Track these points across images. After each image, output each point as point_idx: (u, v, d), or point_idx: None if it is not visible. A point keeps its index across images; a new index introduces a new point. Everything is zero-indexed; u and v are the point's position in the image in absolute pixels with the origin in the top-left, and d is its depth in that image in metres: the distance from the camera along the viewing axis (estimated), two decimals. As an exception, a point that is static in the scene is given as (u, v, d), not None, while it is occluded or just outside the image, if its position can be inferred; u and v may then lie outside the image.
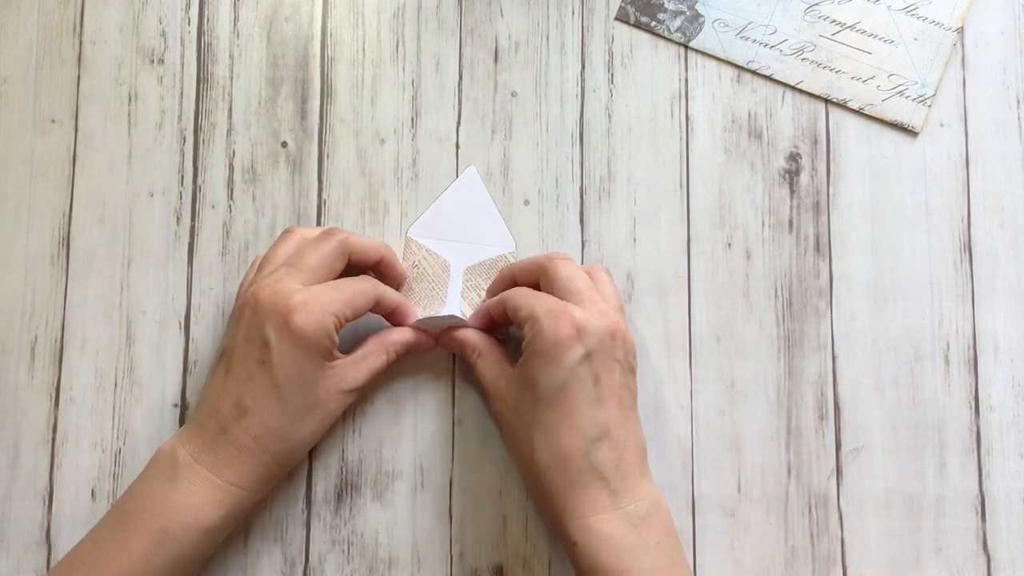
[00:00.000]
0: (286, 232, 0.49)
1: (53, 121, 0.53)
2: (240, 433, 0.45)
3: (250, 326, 0.45)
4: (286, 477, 0.51)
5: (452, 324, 0.50)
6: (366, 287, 0.47)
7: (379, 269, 0.50)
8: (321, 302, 0.45)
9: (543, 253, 0.52)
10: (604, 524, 0.43)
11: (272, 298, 0.45)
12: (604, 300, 0.46)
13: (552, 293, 0.46)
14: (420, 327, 0.50)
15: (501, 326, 0.50)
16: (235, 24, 0.54)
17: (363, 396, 0.51)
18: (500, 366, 0.48)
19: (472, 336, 0.50)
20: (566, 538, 0.44)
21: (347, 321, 0.46)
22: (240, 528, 0.50)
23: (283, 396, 0.45)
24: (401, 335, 0.49)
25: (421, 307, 0.51)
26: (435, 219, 0.53)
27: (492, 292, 0.50)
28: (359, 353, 0.48)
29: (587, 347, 0.44)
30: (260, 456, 0.45)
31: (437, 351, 0.51)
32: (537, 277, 0.48)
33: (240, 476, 0.45)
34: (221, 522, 0.45)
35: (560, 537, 0.45)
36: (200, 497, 0.44)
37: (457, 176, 0.53)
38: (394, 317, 0.50)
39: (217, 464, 0.45)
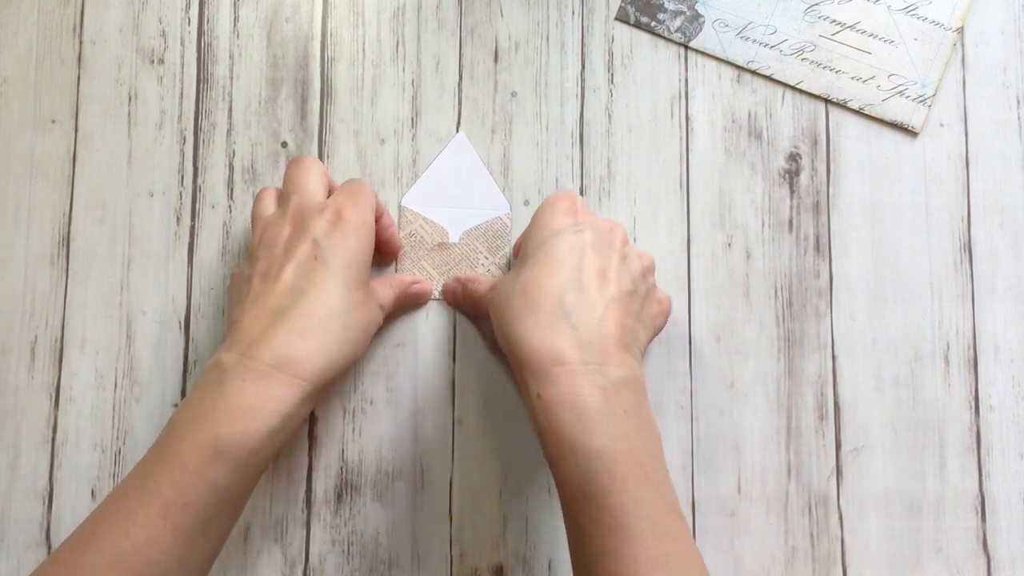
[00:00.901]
0: (298, 159, 0.49)
1: (53, 121, 0.53)
2: (300, 317, 0.42)
3: (290, 239, 0.44)
4: (286, 477, 0.51)
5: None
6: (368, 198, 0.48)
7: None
8: (368, 221, 0.46)
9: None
10: (569, 378, 0.40)
11: (309, 210, 0.45)
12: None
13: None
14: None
15: None
16: (235, 24, 0.54)
17: (363, 396, 0.51)
18: (492, 280, 0.49)
19: (472, 276, 0.51)
20: (528, 392, 0.41)
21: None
22: (240, 528, 0.50)
23: (342, 279, 0.43)
24: (403, 277, 0.51)
25: (423, 275, 0.52)
26: (428, 187, 0.53)
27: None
28: (376, 281, 0.49)
29: (580, 224, 0.44)
30: (322, 343, 0.42)
31: (438, 350, 0.51)
32: None
33: (300, 366, 0.41)
34: (280, 422, 0.40)
35: (523, 394, 0.42)
36: (256, 396, 0.40)
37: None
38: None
39: (274, 356, 0.41)
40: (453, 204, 0.53)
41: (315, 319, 0.42)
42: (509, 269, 0.52)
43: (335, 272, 0.43)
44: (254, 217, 0.48)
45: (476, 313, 0.51)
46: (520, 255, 0.46)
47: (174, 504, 0.39)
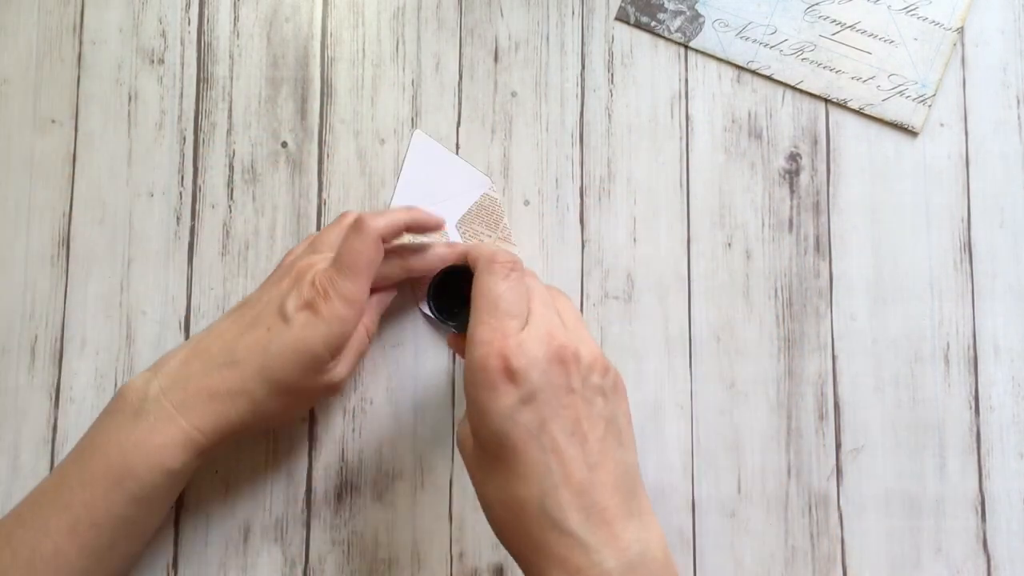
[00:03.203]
0: (345, 216, 0.49)
1: (53, 121, 0.53)
2: (217, 380, 0.44)
3: (280, 293, 0.45)
4: (286, 477, 0.51)
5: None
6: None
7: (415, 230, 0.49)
8: (346, 316, 0.44)
9: (489, 251, 0.44)
10: None
11: (311, 282, 0.45)
12: (550, 314, 0.40)
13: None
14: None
15: None
16: (235, 24, 0.54)
17: (363, 396, 0.51)
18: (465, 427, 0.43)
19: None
20: None
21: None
22: (240, 528, 0.50)
23: (269, 368, 0.44)
24: (369, 313, 0.49)
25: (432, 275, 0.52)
26: (407, 193, 0.53)
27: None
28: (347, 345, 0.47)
29: (524, 389, 0.38)
30: (227, 410, 0.44)
31: (438, 350, 0.51)
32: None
33: (203, 422, 0.44)
34: (183, 465, 0.44)
35: None
36: (163, 436, 0.43)
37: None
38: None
39: (184, 403, 0.44)
40: (439, 199, 0.53)
41: (226, 387, 0.44)
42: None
43: (271, 356, 0.44)
44: (291, 251, 0.50)
45: None
46: (473, 428, 0.40)
47: (83, 522, 0.42)
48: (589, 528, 0.37)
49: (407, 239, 0.48)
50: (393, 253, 0.48)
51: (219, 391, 0.44)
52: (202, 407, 0.44)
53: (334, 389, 0.47)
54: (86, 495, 0.43)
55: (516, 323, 0.39)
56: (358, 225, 0.45)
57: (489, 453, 0.38)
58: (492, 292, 0.40)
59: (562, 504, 0.37)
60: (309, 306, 0.44)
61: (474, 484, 0.40)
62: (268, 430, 0.51)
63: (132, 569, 0.47)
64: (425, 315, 0.50)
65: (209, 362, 0.44)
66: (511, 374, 0.38)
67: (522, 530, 0.38)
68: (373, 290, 0.47)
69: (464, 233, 0.52)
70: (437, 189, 0.53)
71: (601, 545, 0.37)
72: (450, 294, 0.49)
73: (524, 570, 0.38)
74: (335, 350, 0.45)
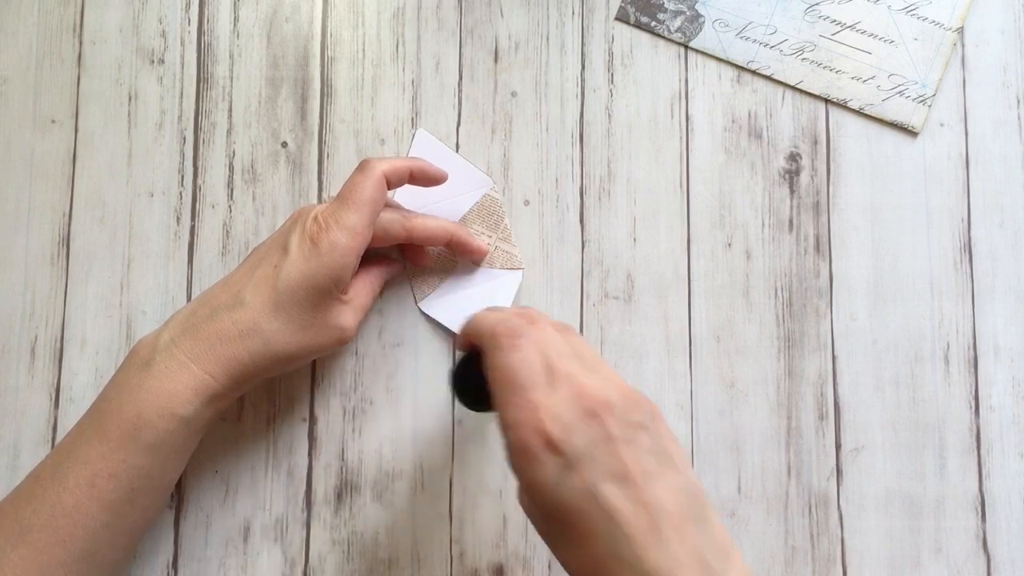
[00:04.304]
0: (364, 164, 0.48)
1: (53, 121, 0.53)
2: (227, 323, 0.44)
3: (283, 232, 0.47)
4: (286, 477, 0.51)
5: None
6: (397, 231, 0.48)
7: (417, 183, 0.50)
8: (347, 245, 0.45)
9: (499, 318, 0.41)
10: None
11: (313, 217, 0.46)
12: (572, 366, 0.39)
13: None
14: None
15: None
16: (235, 24, 0.54)
17: (363, 396, 0.51)
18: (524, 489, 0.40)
19: None
20: None
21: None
22: (240, 528, 0.50)
23: (279, 302, 0.45)
24: (375, 276, 0.50)
25: (436, 276, 0.52)
26: (408, 191, 0.53)
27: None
28: (351, 294, 0.48)
29: (568, 456, 0.36)
30: (238, 352, 0.44)
31: (438, 350, 0.51)
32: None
33: (215, 366, 0.44)
34: (195, 412, 0.44)
35: None
36: (174, 383, 0.43)
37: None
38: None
39: (194, 350, 0.44)
40: (439, 198, 0.53)
41: (237, 329, 0.44)
42: (513, 241, 0.52)
43: (279, 291, 0.45)
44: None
45: None
46: (534, 508, 0.38)
47: (101, 474, 0.43)
48: (667, 558, 0.35)
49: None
50: (393, 209, 0.49)
51: (229, 334, 0.44)
52: (213, 351, 0.44)
53: (343, 337, 0.47)
54: (103, 448, 0.43)
55: (540, 391, 0.38)
56: (363, 164, 0.47)
57: (554, 520, 0.37)
58: (507, 370, 0.39)
59: (635, 551, 0.35)
60: (312, 239, 0.45)
61: (548, 546, 0.39)
62: (280, 374, 0.49)
63: (150, 526, 0.48)
64: (454, 392, 0.47)
65: (217, 307, 0.45)
66: (551, 446, 0.37)
67: None
68: (375, 246, 0.48)
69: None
70: (438, 188, 0.53)
71: (680, 569, 0.35)
72: (471, 376, 0.43)
73: None
74: (339, 281, 0.46)
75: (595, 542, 0.36)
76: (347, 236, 0.45)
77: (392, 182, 0.47)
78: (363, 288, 0.49)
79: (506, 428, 0.38)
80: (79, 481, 0.43)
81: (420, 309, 0.52)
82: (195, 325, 0.45)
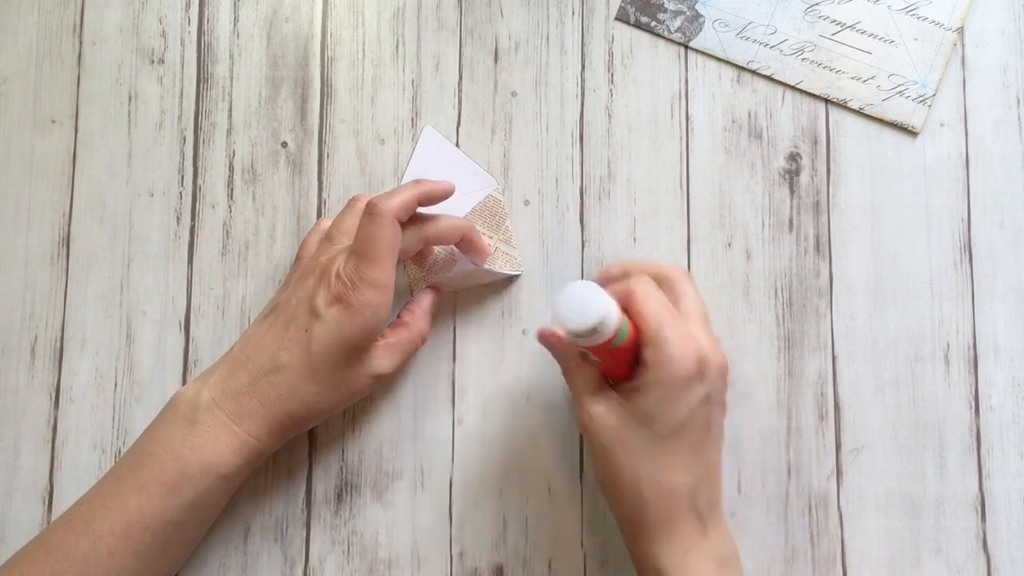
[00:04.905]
0: (355, 200, 0.50)
1: (53, 121, 0.53)
2: (266, 388, 0.45)
3: (308, 292, 0.46)
4: (286, 477, 0.51)
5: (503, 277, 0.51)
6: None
7: (458, 244, 0.50)
8: (378, 302, 0.45)
9: (662, 263, 0.49)
10: (697, 561, 0.43)
11: (336, 275, 0.45)
12: (707, 325, 0.45)
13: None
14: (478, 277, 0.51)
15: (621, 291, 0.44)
16: (235, 24, 0.54)
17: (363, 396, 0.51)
18: (600, 386, 0.45)
19: (570, 346, 0.45)
20: (647, 565, 0.43)
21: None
22: (240, 528, 0.50)
23: (315, 366, 0.45)
24: (422, 319, 0.50)
25: (432, 273, 0.52)
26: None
27: (606, 277, 0.47)
28: (392, 339, 0.48)
29: (707, 388, 0.43)
30: (279, 413, 0.45)
31: (438, 350, 0.51)
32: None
33: (258, 428, 0.45)
34: (236, 471, 0.45)
35: (639, 564, 0.44)
36: (218, 443, 0.44)
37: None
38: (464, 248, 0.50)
39: (238, 412, 0.45)
40: None
41: (276, 392, 0.45)
42: (511, 242, 0.52)
43: (313, 356, 0.45)
44: (303, 242, 0.51)
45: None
46: (644, 414, 0.43)
47: (137, 526, 0.44)
48: (711, 517, 0.44)
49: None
50: (407, 224, 0.47)
51: (269, 397, 0.45)
52: (255, 414, 0.45)
53: (382, 379, 0.48)
54: (141, 500, 0.44)
55: (696, 328, 0.44)
56: (372, 210, 0.45)
57: (660, 438, 0.43)
58: (661, 297, 0.44)
59: (701, 494, 0.43)
60: (339, 299, 0.45)
61: (618, 459, 0.43)
62: (322, 422, 0.50)
63: (222, 551, 0.50)
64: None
65: (255, 371, 0.46)
66: (701, 376, 0.42)
67: (664, 509, 0.43)
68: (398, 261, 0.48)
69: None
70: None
71: (712, 530, 0.44)
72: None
73: (638, 540, 0.44)
74: (372, 337, 0.46)
75: (685, 471, 0.43)
76: (376, 293, 0.45)
77: (403, 219, 0.46)
78: (409, 337, 0.49)
79: (667, 343, 0.42)
80: (114, 531, 0.43)
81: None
82: (236, 389, 0.45)
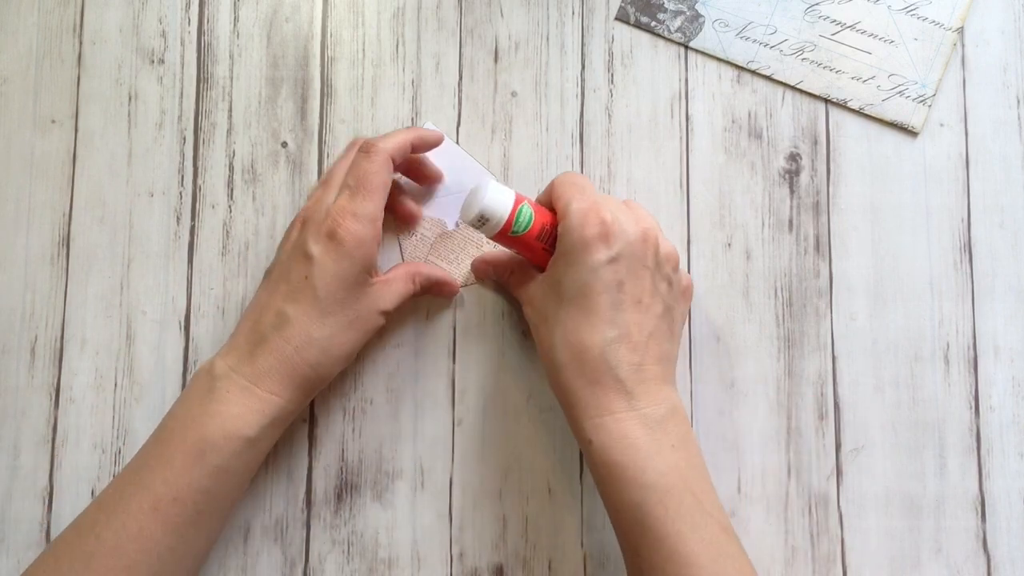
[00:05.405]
0: (353, 144, 0.50)
1: (53, 121, 0.53)
2: (280, 343, 0.45)
3: (296, 241, 0.47)
4: (286, 477, 0.51)
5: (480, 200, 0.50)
6: (371, 164, 0.48)
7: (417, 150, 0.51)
8: (367, 234, 0.46)
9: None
10: (619, 424, 0.43)
11: (325, 213, 0.46)
12: (642, 211, 0.47)
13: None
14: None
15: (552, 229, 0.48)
16: (235, 24, 0.54)
17: (363, 396, 0.51)
18: (531, 274, 0.48)
19: (503, 258, 0.50)
20: (581, 436, 0.44)
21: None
22: (240, 528, 0.50)
23: (324, 308, 0.46)
24: (428, 268, 0.51)
25: (421, 242, 0.52)
26: (413, 184, 0.53)
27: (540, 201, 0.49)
28: (390, 275, 0.49)
29: (614, 251, 0.44)
30: (299, 366, 0.45)
31: (438, 350, 0.51)
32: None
33: (279, 385, 0.45)
34: (261, 432, 0.45)
35: (577, 436, 0.45)
36: (239, 406, 0.44)
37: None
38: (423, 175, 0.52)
39: (255, 374, 0.45)
40: (442, 193, 0.53)
41: (292, 345, 0.45)
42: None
43: (320, 299, 0.46)
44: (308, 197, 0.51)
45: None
46: (555, 276, 0.46)
47: (164, 499, 0.43)
48: (635, 381, 0.44)
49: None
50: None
51: (285, 352, 0.45)
52: (273, 372, 0.45)
53: (388, 314, 0.48)
54: (166, 473, 0.43)
55: (606, 201, 0.45)
56: (367, 148, 0.47)
57: (568, 301, 0.45)
58: (577, 180, 0.47)
59: (619, 355, 0.44)
60: (331, 236, 0.45)
61: (540, 331, 0.46)
62: (338, 371, 0.49)
63: (212, 549, 0.48)
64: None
65: (265, 331, 0.46)
66: (605, 237, 0.44)
67: (578, 371, 0.44)
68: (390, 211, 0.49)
69: (464, 230, 0.52)
70: (443, 181, 0.53)
71: (641, 396, 0.44)
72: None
73: (568, 410, 0.45)
74: (370, 268, 0.47)
75: (592, 330, 0.44)
76: (367, 226, 0.46)
77: (397, 160, 0.48)
78: (405, 276, 0.49)
79: (572, 213, 0.45)
80: (143, 507, 0.43)
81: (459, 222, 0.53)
82: (249, 352, 0.45)
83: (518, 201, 0.46)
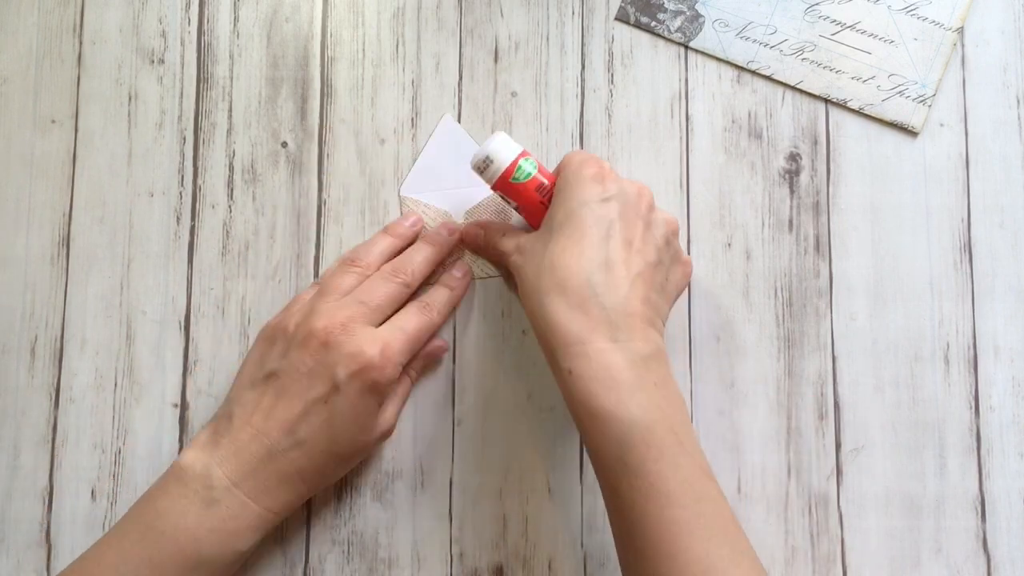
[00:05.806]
0: (344, 262, 0.50)
1: (53, 121, 0.53)
2: (286, 464, 0.45)
3: (318, 361, 0.45)
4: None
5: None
6: (432, 321, 0.49)
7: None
8: (394, 351, 0.46)
9: None
10: (601, 356, 0.41)
11: (348, 342, 0.45)
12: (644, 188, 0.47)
13: None
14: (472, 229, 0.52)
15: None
16: (235, 24, 0.54)
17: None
18: (523, 231, 0.49)
19: (495, 222, 0.51)
20: (559, 367, 0.42)
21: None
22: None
23: (336, 440, 0.46)
24: (417, 361, 0.51)
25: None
26: (423, 173, 0.53)
27: None
28: (395, 393, 0.50)
29: (608, 192, 0.45)
30: (299, 486, 0.46)
31: (439, 347, 0.51)
32: None
33: (277, 503, 0.45)
34: (253, 545, 0.46)
35: (553, 367, 0.43)
36: (238, 523, 0.44)
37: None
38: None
39: (256, 490, 0.45)
40: (452, 186, 0.53)
41: (296, 467, 0.45)
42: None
43: (336, 432, 0.46)
44: (293, 301, 0.50)
45: (496, 261, 0.52)
46: (547, 219, 0.46)
47: None
48: (620, 314, 0.42)
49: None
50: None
51: (288, 473, 0.45)
52: (274, 491, 0.45)
53: (388, 434, 0.49)
54: None
55: (612, 170, 0.47)
56: (394, 272, 0.49)
57: (556, 231, 0.44)
58: (585, 154, 0.47)
59: (605, 282, 0.43)
60: (364, 374, 0.45)
61: (524, 270, 0.45)
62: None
63: None
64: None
65: (272, 447, 0.45)
66: (600, 179, 0.45)
67: (561, 296, 0.43)
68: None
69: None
70: (455, 174, 0.53)
71: (625, 330, 0.42)
72: None
73: (547, 340, 0.43)
74: (383, 405, 0.48)
75: (580, 256, 0.43)
76: (382, 348, 0.46)
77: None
78: (404, 385, 0.50)
79: (572, 157, 0.47)
80: None
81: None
82: (253, 467, 0.45)
83: (524, 154, 0.48)
